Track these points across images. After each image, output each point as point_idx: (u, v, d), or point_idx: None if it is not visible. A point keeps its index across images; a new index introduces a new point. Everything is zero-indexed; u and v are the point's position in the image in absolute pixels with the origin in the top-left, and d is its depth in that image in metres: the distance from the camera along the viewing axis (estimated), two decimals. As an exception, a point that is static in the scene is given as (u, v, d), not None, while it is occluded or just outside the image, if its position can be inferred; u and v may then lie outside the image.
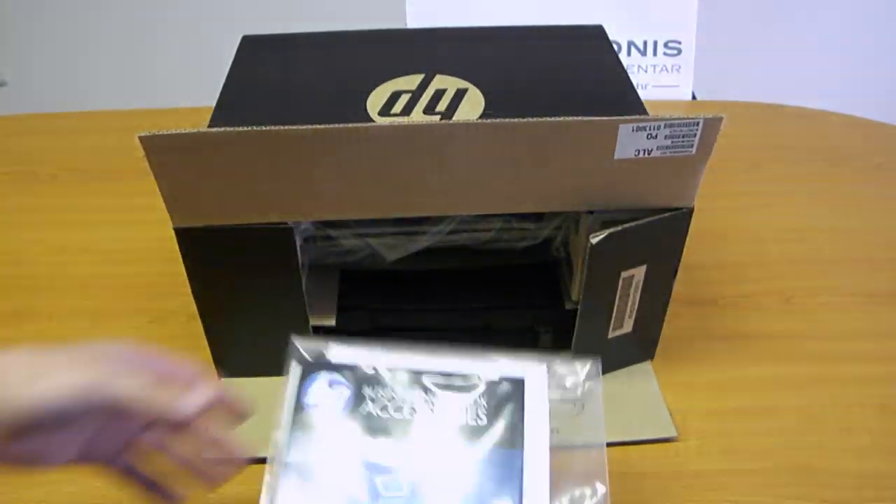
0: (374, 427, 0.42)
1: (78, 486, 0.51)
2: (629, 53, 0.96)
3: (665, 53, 0.96)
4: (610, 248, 0.50)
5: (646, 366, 0.60)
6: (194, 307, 0.54)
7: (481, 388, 0.44)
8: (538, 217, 0.59)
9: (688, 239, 0.53)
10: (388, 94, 0.54)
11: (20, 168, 0.84)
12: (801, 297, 0.67)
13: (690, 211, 0.51)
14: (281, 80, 0.58)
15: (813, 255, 0.71)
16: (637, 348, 0.59)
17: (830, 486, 0.51)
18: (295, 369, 0.44)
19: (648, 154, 0.46)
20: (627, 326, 0.56)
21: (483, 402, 0.43)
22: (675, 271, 0.55)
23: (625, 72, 0.58)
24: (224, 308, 0.54)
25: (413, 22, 0.95)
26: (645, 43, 0.96)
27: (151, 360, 0.40)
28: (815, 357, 0.61)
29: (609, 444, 0.53)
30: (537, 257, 0.60)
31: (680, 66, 0.97)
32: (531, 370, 0.45)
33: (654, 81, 0.97)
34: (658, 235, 0.51)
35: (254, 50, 0.61)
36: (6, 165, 0.85)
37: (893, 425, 0.55)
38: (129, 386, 0.35)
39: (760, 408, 0.57)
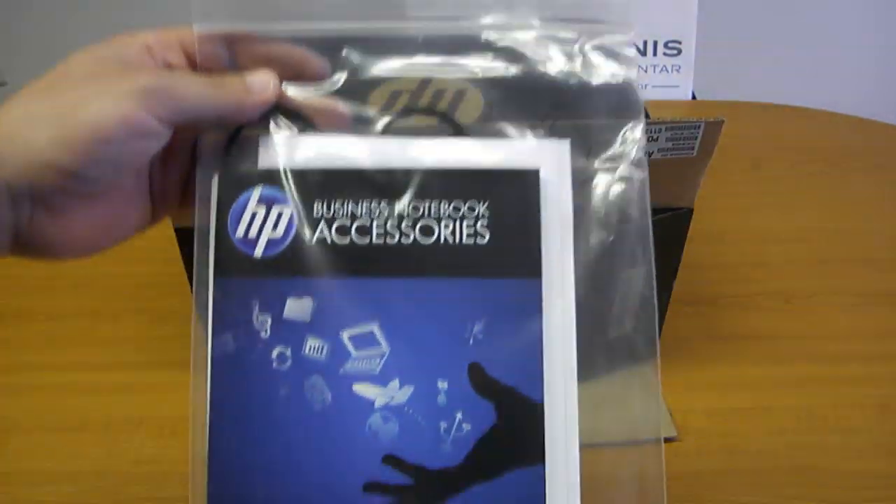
0: (332, 260, 0.30)
1: (78, 487, 0.51)
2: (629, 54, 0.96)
3: (665, 53, 0.96)
4: (610, 248, 0.49)
5: (646, 366, 0.60)
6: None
7: (479, 189, 0.30)
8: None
9: (688, 239, 0.53)
10: (387, 94, 0.54)
11: (20, 168, 0.84)
12: (801, 297, 0.67)
13: (690, 211, 0.50)
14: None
15: (813, 255, 0.71)
16: (637, 348, 0.59)
17: (830, 486, 0.51)
18: (212, 188, 0.30)
19: (649, 156, 0.46)
20: (627, 327, 0.56)
21: (483, 209, 0.30)
22: (675, 271, 0.55)
23: (625, 72, 0.57)
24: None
25: (413, 22, 0.95)
26: (645, 43, 0.96)
27: (170, 44, 0.31)
28: (815, 357, 0.61)
29: (609, 445, 0.53)
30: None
31: (680, 66, 0.96)
32: (549, 155, 0.31)
33: (654, 81, 0.97)
34: (658, 235, 0.51)
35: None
36: (6, 165, 0.85)
37: (893, 425, 0.55)
38: (188, 89, 0.28)
39: (760, 408, 0.57)
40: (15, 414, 0.56)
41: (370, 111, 0.32)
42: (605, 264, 0.32)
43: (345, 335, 0.30)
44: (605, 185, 0.32)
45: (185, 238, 0.49)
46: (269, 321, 0.30)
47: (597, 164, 0.32)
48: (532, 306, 0.30)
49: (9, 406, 0.57)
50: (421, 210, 0.30)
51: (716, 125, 0.45)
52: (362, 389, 0.30)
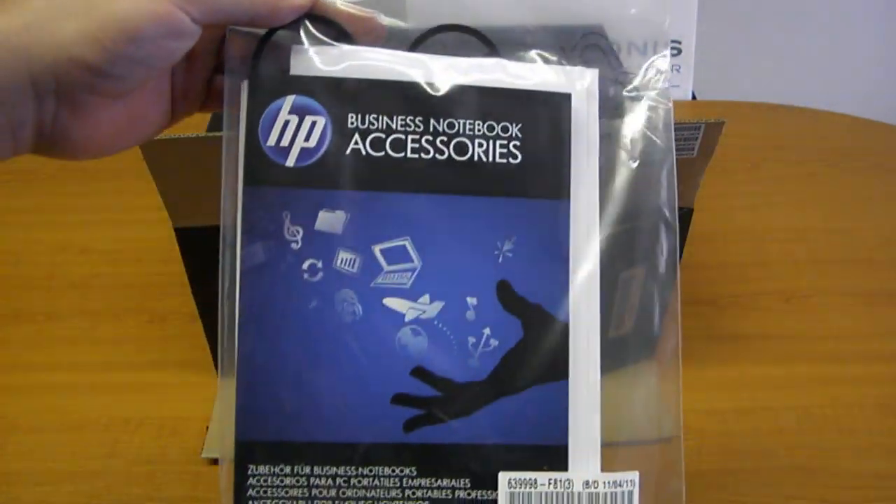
0: (366, 173, 0.30)
1: (78, 486, 0.51)
2: (629, 53, 0.96)
3: (665, 53, 0.96)
4: (610, 248, 0.49)
5: (646, 366, 0.60)
6: (194, 307, 0.54)
7: (513, 110, 0.31)
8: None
9: (688, 239, 0.53)
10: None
11: (20, 168, 0.84)
12: (801, 297, 0.67)
13: (690, 211, 0.51)
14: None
15: (813, 255, 0.71)
16: (637, 348, 0.59)
17: (830, 486, 0.51)
18: (242, 94, 0.30)
19: (648, 155, 0.46)
20: (627, 326, 0.56)
21: (516, 130, 0.31)
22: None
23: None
24: (224, 308, 0.54)
25: (413, 22, 0.95)
26: (645, 43, 0.96)
27: None
28: (815, 357, 0.61)
29: (608, 444, 0.53)
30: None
31: (680, 66, 0.96)
32: (578, 81, 0.32)
33: (654, 81, 0.96)
34: (658, 235, 0.51)
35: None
36: (6, 165, 0.85)
37: (893, 425, 0.55)
38: None
39: (760, 408, 0.57)
40: (15, 414, 0.56)
41: (405, 25, 0.32)
42: (630, 189, 0.33)
43: (377, 249, 0.30)
44: (631, 112, 0.33)
45: (186, 238, 0.49)
46: (301, 232, 0.30)
47: (623, 92, 0.33)
48: (561, 226, 0.31)
49: (9, 406, 0.57)
50: (456, 127, 0.30)
51: (716, 126, 0.45)
52: (393, 303, 0.30)
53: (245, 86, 0.30)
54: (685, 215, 0.51)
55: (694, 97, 1.00)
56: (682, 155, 0.46)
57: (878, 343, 0.62)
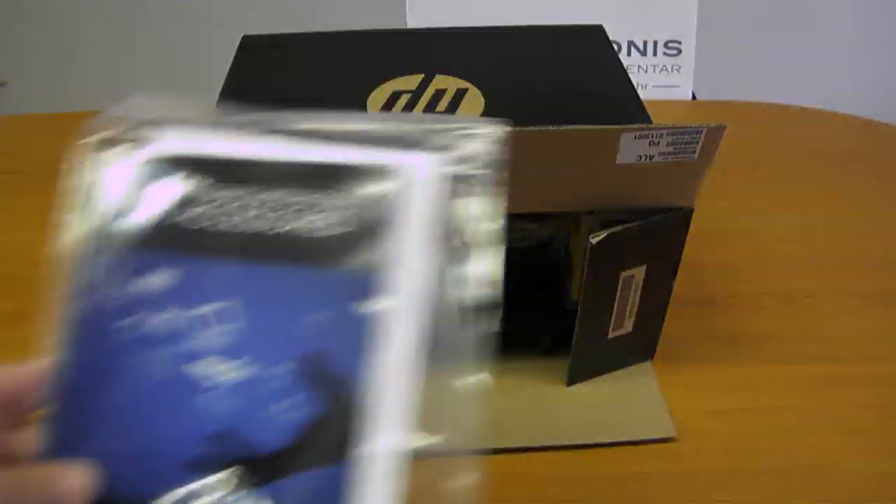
0: (194, 241, 0.32)
1: (78, 487, 0.51)
2: (629, 53, 0.96)
3: (665, 53, 0.96)
4: (610, 249, 0.50)
5: (646, 366, 0.60)
6: (194, 307, 0.54)
7: (336, 184, 0.32)
8: (538, 217, 0.59)
9: (688, 239, 0.53)
10: (388, 94, 0.54)
11: (20, 168, 0.84)
12: (801, 297, 0.67)
13: (690, 211, 0.51)
14: (281, 80, 0.58)
15: (813, 255, 0.71)
16: (637, 348, 0.59)
17: (830, 486, 0.51)
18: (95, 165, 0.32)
19: (650, 159, 0.46)
20: (627, 327, 0.56)
21: (337, 204, 0.32)
22: (675, 271, 0.55)
23: (625, 72, 0.58)
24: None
25: (413, 22, 0.95)
26: (645, 43, 0.97)
27: None
28: (815, 357, 0.61)
29: (609, 445, 0.53)
30: (537, 257, 0.60)
31: (680, 66, 0.97)
32: (408, 160, 0.33)
33: (654, 81, 0.97)
34: (658, 235, 0.51)
35: (254, 50, 0.61)
36: (6, 165, 0.85)
37: (893, 425, 0.55)
38: None
39: (760, 408, 0.57)
40: (15, 414, 0.56)
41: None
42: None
43: (198, 311, 0.31)
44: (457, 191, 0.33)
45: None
46: (123, 291, 0.31)
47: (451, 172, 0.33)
48: (369, 298, 0.31)
49: (9, 406, 0.57)
50: (282, 200, 0.32)
51: (717, 130, 0.45)
52: (205, 364, 0.31)
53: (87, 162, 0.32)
54: (685, 215, 0.51)
55: (694, 97, 1.00)
56: (683, 158, 0.46)
57: (878, 343, 0.62)
